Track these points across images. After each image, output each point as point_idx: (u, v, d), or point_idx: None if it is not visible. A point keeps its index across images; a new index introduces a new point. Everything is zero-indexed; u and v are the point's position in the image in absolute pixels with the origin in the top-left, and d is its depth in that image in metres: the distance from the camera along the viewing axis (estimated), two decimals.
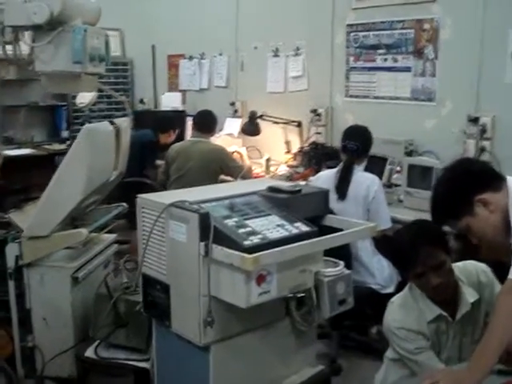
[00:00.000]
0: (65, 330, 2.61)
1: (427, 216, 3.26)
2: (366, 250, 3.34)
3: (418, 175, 3.58)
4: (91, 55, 2.55)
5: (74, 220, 2.97)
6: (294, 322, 2.17)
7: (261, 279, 1.87)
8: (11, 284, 2.60)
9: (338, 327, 3.45)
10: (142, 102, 7.09)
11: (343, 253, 3.11)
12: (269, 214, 2.08)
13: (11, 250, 2.58)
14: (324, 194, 2.32)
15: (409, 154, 4.00)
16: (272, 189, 2.24)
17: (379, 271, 3.33)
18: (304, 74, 4.96)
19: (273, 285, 1.91)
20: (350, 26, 4.47)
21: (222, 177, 4.55)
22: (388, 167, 3.92)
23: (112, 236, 3.05)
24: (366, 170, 3.84)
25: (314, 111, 4.80)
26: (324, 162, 4.45)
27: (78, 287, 2.64)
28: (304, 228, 2.02)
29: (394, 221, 3.45)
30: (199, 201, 2.04)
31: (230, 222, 1.96)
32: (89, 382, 2.66)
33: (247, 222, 1.99)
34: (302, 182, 4.22)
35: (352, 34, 4.47)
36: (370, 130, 3.56)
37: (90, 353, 2.52)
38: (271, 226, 2.00)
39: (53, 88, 2.64)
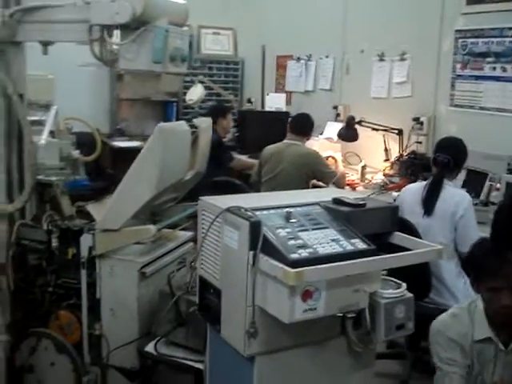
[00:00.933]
0: (130, 323, 2.66)
1: None
2: (449, 271, 3.13)
3: None
4: (172, 55, 2.57)
5: (153, 215, 3.03)
6: (349, 341, 2.08)
7: (307, 295, 1.80)
8: (83, 273, 2.69)
9: (415, 348, 3.27)
10: (249, 101, 7.16)
11: (421, 272, 2.97)
12: (326, 228, 1.99)
13: (85, 241, 2.67)
14: (392, 209, 2.19)
15: (511, 171, 3.71)
16: (336, 200, 2.15)
17: (464, 294, 3.11)
18: (408, 80, 4.77)
19: (320, 302, 1.83)
20: (459, 31, 4.22)
21: (314, 182, 4.48)
22: (487, 183, 3.66)
23: (188, 234, 3.08)
24: (464, 185, 3.63)
25: (417, 119, 4.60)
26: (421, 173, 4.24)
27: (146, 282, 2.68)
28: (360, 245, 1.92)
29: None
30: (256, 208, 2.00)
31: (282, 233, 1.90)
32: (149, 376, 2.70)
33: (301, 233, 1.92)
34: (395, 193, 4.06)
35: (460, 41, 4.22)
36: (465, 143, 3.33)
37: (150, 348, 2.56)
38: (325, 240, 1.91)
39: (135, 85, 2.70)
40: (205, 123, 3.00)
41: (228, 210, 1.99)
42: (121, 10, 2.43)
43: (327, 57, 5.78)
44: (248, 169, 4.97)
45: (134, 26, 2.55)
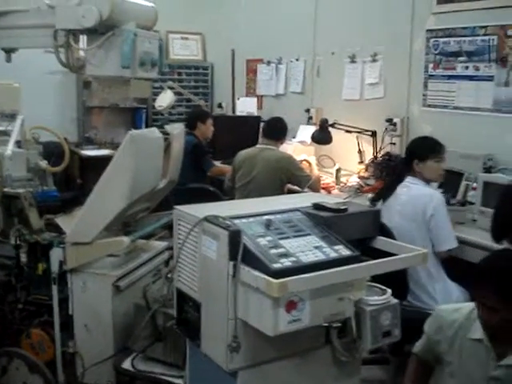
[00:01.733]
0: (105, 339, 2.57)
1: None
2: (427, 273, 3.09)
3: (495, 194, 3.27)
4: (142, 60, 2.48)
5: (126, 226, 2.93)
6: (334, 351, 2.01)
7: (291, 306, 1.72)
8: (54, 288, 2.58)
9: (398, 353, 3.22)
10: (220, 106, 7.09)
11: (398, 275, 2.91)
12: (308, 234, 1.93)
13: (55, 255, 2.57)
14: (374, 213, 2.14)
15: (487, 170, 3.69)
16: (316, 206, 2.09)
17: (443, 296, 3.07)
18: (381, 82, 4.74)
19: (305, 313, 1.76)
20: (430, 31, 4.20)
21: (289, 186, 4.42)
22: (464, 183, 3.63)
23: (163, 244, 2.99)
24: (441, 185, 3.59)
25: (390, 120, 4.56)
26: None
27: (121, 296, 2.59)
28: (344, 252, 1.85)
29: (464, 242, 3.18)
30: (234, 216, 1.92)
31: (263, 241, 1.82)
32: None
33: (282, 241, 1.85)
34: (370, 195, 4.02)
35: (432, 40, 4.20)
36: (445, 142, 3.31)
37: (127, 364, 2.47)
38: (308, 247, 1.84)
39: (103, 92, 2.60)
40: (177, 130, 2.91)
41: (205, 219, 1.91)
42: (87, 13, 2.34)
43: (298, 60, 5.73)
44: (224, 175, 4.89)
45: (102, 30, 2.46)
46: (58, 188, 4.46)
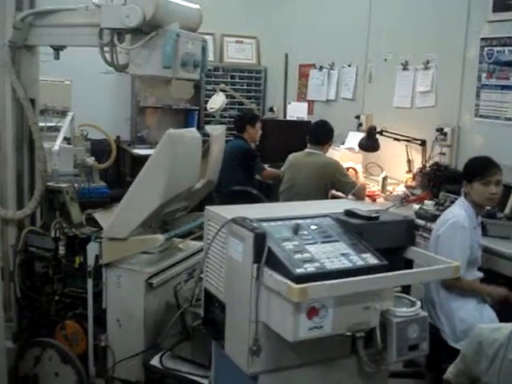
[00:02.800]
0: (136, 335, 2.59)
1: None
2: (443, 295, 3.01)
3: None
4: (184, 60, 2.50)
5: (164, 224, 2.97)
6: (360, 361, 1.96)
7: (312, 313, 1.70)
8: (90, 282, 2.62)
9: (434, 369, 3.12)
10: (271, 110, 7.09)
11: None
12: (336, 241, 1.90)
13: (92, 249, 2.61)
14: (407, 223, 2.08)
15: None
16: (348, 213, 2.05)
17: (460, 317, 2.96)
18: (432, 90, 4.63)
19: (327, 320, 1.73)
20: (485, 39, 4.08)
21: (333, 192, 4.37)
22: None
23: (199, 244, 2.99)
24: None
25: (440, 130, 4.45)
26: (444, 185, 4.10)
27: (153, 293, 2.61)
28: (371, 260, 1.81)
29: (508, 258, 3.08)
30: (263, 218, 1.91)
31: (289, 246, 1.80)
32: None
33: (308, 247, 1.82)
34: (417, 206, 3.93)
35: (486, 49, 4.07)
36: (490, 155, 3.16)
37: (155, 361, 2.49)
38: (334, 254, 1.81)
39: (145, 91, 2.64)
40: (217, 131, 2.92)
41: (233, 220, 1.91)
42: (131, 13, 2.37)
43: (350, 65, 5.68)
44: (276, 178, 4.88)
45: (146, 30, 2.49)
46: (109, 185, 4.58)
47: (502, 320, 2.86)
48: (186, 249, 2.93)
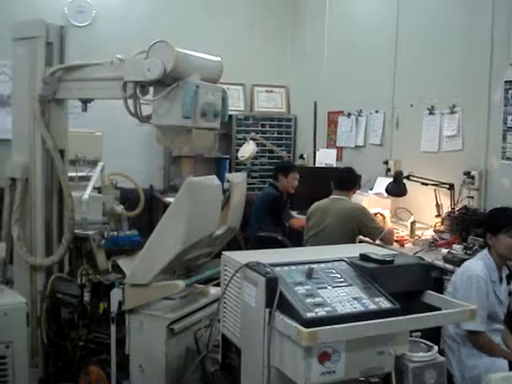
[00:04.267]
0: (158, 380, 2.60)
1: None
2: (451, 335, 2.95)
3: None
4: (203, 110, 2.58)
5: (188, 271, 3.00)
6: None
7: (324, 357, 1.70)
8: (113, 328, 2.66)
9: None
10: (301, 157, 7.16)
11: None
12: (350, 285, 1.90)
13: (115, 295, 2.65)
14: (423, 266, 2.07)
15: None
16: (362, 256, 2.06)
17: (460, 366, 2.90)
18: (459, 134, 4.62)
19: (339, 365, 1.73)
20: (509, 82, 4.08)
21: (361, 237, 4.36)
22: None
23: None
24: None
25: (468, 173, 4.42)
26: (473, 229, 4.05)
27: (175, 339, 2.62)
28: (384, 304, 1.81)
29: None
30: (277, 263, 1.94)
31: (301, 290, 1.82)
32: None
33: (320, 291, 1.84)
34: (445, 250, 3.89)
35: (510, 92, 4.07)
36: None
37: None
38: (346, 298, 1.82)
39: (165, 142, 2.73)
40: (238, 178, 2.97)
41: (246, 265, 1.94)
42: (152, 66, 2.48)
43: (377, 112, 5.72)
44: (304, 227, 4.90)
45: (168, 82, 2.59)
46: (141, 233, 4.65)
47: None
48: (208, 295, 2.95)
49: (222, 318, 2.14)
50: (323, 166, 6.22)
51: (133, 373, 2.67)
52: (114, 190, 4.00)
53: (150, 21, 6.52)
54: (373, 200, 5.08)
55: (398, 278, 1.99)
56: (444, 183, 4.60)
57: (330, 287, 1.87)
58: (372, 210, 4.58)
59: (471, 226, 4.11)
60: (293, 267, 1.95)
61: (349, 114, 6.22)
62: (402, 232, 4.65)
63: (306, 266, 1.96)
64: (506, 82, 4.11)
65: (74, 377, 2.79)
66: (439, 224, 4.55)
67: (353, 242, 4.25)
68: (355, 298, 1.82)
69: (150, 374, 2.63)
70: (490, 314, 2.94)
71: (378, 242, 4.20)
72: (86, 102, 2.92)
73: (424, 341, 1.99)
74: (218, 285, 2.99)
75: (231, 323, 2.06)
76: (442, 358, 1.92)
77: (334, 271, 1.97)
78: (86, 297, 2.77)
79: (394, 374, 1.83)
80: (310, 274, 1.92)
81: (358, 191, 5.28)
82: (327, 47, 6.67)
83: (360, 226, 4.23)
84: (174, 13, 6.74)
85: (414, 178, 4.61)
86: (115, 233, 3.77)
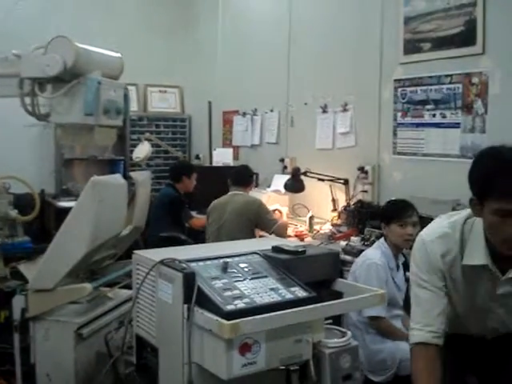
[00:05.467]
0: None
1: None
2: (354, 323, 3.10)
3: None
4: (106, 107, 2.52)
5: (92, 274, 2.90)
6: None
7: (245, 349, 1.71)
8: (16, 337, 2.53)
9: None
10: (197, 157, 7.14)
11: None
12: (265, 276, 1.92)
13: (17, 302, 2.52)
14: (333, 255, 2.14)
15: None
16: (275, 249, 2.09)
17: (366, 352, 3.05)
18: (352, 131, 4.82)
19: (260, 355, 1.74)
20: (398, 81, 4.31)
21: (261, 233, 4.43)
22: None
23: (129, 292, 2.94)
24: None
25: (361, 169, 4.62)
26: (368, 221, 4.24)
27: (83, 344, 2.53)
28: (300, 293, 1.84)
29: None
30: (191, 259, 1.92)
31: (218, 284, 1.82)
32: None
33: (237, 283, 1.84)
34: (344, 243, 4.03)
35: (400, 90, 4.30)
36: (410, 190, 3.31)
37: None
38: (263, 289, 1.83)
39: (68, 140, 2.64)
40: (142, 176, 2.92)
41: (161, 262, 1.91)
42: (51, 62, 2.38)
43: (272, 111, 5.83)
44: (204, 225, 4.91)
45: (67, 79, 2.50)
46: (33, 239, 4.44)
47: None
48: (115, 297, 2.87)
49: (135, 318, 2.09)
50: (220, 165, 6.24)
51: (39, 382, 2.54)
52: (7, 195, 3.80)
53: (41, 20, 6.23)
54: (271, 197, 5.18)
55: (310, 267, 2.04)
56: (339, 179, 4.77)
57: (247, 280, 1.88)
58: (270, 207, 4.67)
59: (367, 218, 4.30)
60: (207, 262, 1.95)
61: (244, 114, 6.30)
62: (301, 227, 4.77)
63: (221, 261, 1.96)
64: (395, 80, 4.34)
65: None
66: (336, 218, 4.72)
67: (252, 234, 4.33)
68: (272, 289, 1.84)
69: (58, 382, 2.52)
70: (390, 301, 3.07)
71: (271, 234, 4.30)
72: None
73: (337, 327, 2.05)
74: (124, 287, 2.94)
75: (146, 323, 2.02)
76: (355, 343, 1.99)
77: (248, 264, 1.98)
78: None
79: (311, 360, 1.87)
80: (225, 268, 1.92)
81: (256, 189, 5.39)
82: (221, 46, 6.73)
83: (256, 218, 4.31)
84: (64, 11, 6.49)
85: (311, 175, 4.75)
86: (8, 239, 3.59)
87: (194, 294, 1.75)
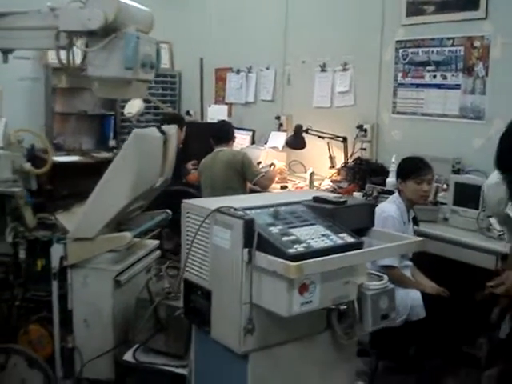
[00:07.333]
0: (105, 332, 2.63)
1: (473, 235, 3.22)
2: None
3: (465, 194, 3.49)
4: (143, 62, 2.58)
5: (119, 225, 3.00)
6: (335, 335, 2.13)
7: (303, 289, 1.85)
8: (55, 284, 2.63)
9: (377, 345, 3.37)
10: (188, 113, 7.16)
11: None
12: (313, 224, 2.06)
13: (56, 251, 2.61)
14: (369, 206, 2.29)
15: (456, 172, 3.91)
16: (317, 199, 2.22)
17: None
18: (351, 90, 4.94)
19: (315, 295, 1.89)
20: (399, 42, 4.43)
21: (252, 186, 4.59)
22: (434, 185, 3.83)
23: (155, 242, 3.07)
24: None
25: (360, 127, 4.76)
26: (369, 177, 4.40)
27: (120, 290, 2.65)
28: (349, 239, 1.99)
29: (438, 239, 3.39)
30: (244, 207, 2.04)
31: (275, 230, 1.94)
32: None
33: (291, 230, 1.97)
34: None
35: (401, 51, 4.43)
36: (410, 148, 3.47)
37: (128, 356, 2.53)
38: (316, 235, 1.97)
39: (103, 93, 2.69)
40: (172, 130, 3.01)
41: (218, 210, 2.02)
42: (93, 16, 2.42)
43: (268, 68, 5.90)
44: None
45: (102, 33, 2.54)
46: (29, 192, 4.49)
47: (426, 300, 3.14)
48: (142, 247, 2.99)
49: (184, 264, 2.21)
50: (215, 121, 6.29)
51: (77, 328, 2.67)
52: (21, 148, 3.83)
53: None
54: (269, 153, 5.30)
55: (351, 216, 2.18)
56: (338, 136, 4.91)
57: (298, 227, 2.01)
58: (267, 162, 4.85)
59: (366, 175, 4.47)
60: (258, 210, 2.07)
61: (238, 71, 6.34)
62: (300, 183, 4.92)
63: (271, 209, 2.08)
64: (396, 41, 4.45)
65: (12, 337, 2.72)
66: (335, 175, 4.87)
67: (244, 185, 4.54)
68: (323, 235, 1.98)
69: (96, 327, 2.65)
70: None
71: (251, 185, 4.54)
72: (6, 52, 2.77)
73: (374, 272, 2.21)
74: (152, 237, 3.06)
75: (197, 268, 2.14)
76: (392, 286, 2.15)
77: (295, 212, 2.11)
78: (21, 255, 2.69)
79: (356, 301, 2.04)
80: (276, 216, 2.04)
81: (253, 145, 5.51)
82: (214, 2, 6.68)
83: (242, 167, 4.48)
84: None
85: (313, 132, 4.87)
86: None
87: (254, 239, 1.87)
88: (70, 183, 5.91)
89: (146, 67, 2.62)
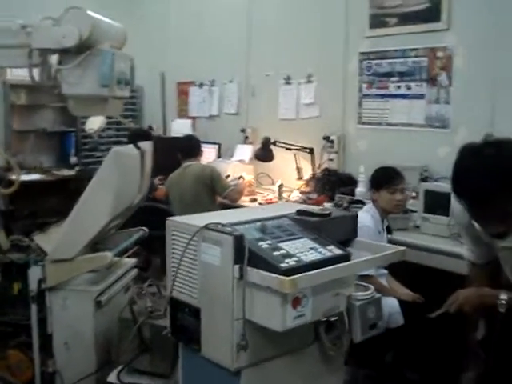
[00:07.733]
0: (86, 355, 2.58)
1: (445, 242, 3.29)
2: None
3: (435, 201, 3.57)
4: (118, 79, 2.56)
5: (95, 244, 2.95)
6: (323, 347, 2.15)
7: (296, 302, 1.86)
8: (34, 308, 2.56)
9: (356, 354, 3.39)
10: (150, 128, 7.10)
11: None
12: (301, 237, 2.07)
13: (34, 274, 2.55)
14: (352, 217, 2.32)
15: (424, 180, 4.00)
16: (301, 212, 2.24)
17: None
18: (316, 101, 4.99)
19: (308, 308, 1.90)
20: (363, 53, 4.52)
21: (222, 200, 4.59)
22: (407, 194, 3.90)
23: (132, 260, 3.04)
24: None
25: (327, 138, 4.81)
26: (338, 188, 4.45)
27: (101, 311, 2.61)
28: (337, 251, 2.01)
29: (410, 246, 3.43)
30: (232, 223, 2.03)
31: (264, 245, 1.95)
32: None
33: (280, 244, 1.98)
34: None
35: (365, 62, 4.51)
36: (376, 158, 3.53)
37: (112, 378, 2.49)
38: (304, 248, 1.98)
39: (80, 111, 2.65)
40: (147, 146, 2.98)
41: (206, 227, 2.01)
42: (67, 33, 2.40)
43: (231, 81, 5.91)
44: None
45: (75, 50, 2.51)
46: None
47: (402, 307, 3.19)
48: (121, 266, 2.95)
49: (170, 282, 2.19)
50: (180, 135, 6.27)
51: (57, 351, 2.61)
52: None
53: None
54: (236, 167, 5.30)
55: (336, 228, 2.21)
56: (305, 148, 4.95)
57: (286, 240, 2.02)
58: (236, 175, 4.87)
59: (336, 185, 4.52)
60: (246, 225, 2.07)
61: (201, 85, 6.33)
62: (268, 195, 4.94)
63: (258, 224, 2.09)
64: (360, 53, 4.53)
65: None
66: (304, 186, 4.90)
67: (214, 201, 4.55)
68: (311, 248, 1.99)
69: (78, 350, 2.60)
70: None
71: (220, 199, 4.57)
72: None
73: (360, 282, 2.23)
74: (130, 256, 3.02)
75: (185, 285, 2.12)
76: (378, 295, 2.18)
77: (282, 226, 2.12)
78: None
79: (345, 312, 2.06)
80: (264, 230, 2.05)
81: (220, 159, 5.51)
82: (174, 16, 6.66)
83: (212, 181, 4.51)
84: None
85: (280, 144, 4.90)
86: None
87: (245, 255, 1.87)
88: (31, 202, 5.80)
89: (121, 84, 2.61)
